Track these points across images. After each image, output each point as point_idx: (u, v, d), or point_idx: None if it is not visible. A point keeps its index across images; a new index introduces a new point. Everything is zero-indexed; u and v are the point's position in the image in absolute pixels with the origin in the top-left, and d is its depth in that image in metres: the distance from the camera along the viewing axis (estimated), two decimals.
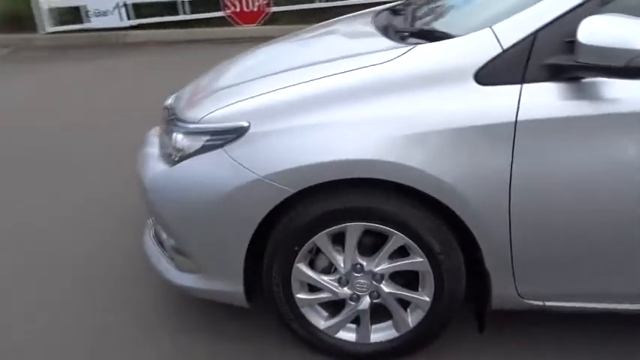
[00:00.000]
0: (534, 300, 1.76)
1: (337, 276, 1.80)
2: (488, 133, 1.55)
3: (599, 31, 1.42)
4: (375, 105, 1.63)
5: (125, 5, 7.77)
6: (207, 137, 1.78)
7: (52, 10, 7.95)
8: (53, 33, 7.94)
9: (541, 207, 1.59)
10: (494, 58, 1.56)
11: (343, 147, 1.62)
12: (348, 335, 1.89)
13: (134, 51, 7.33)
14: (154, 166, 1.94)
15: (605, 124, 1.52)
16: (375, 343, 1.88)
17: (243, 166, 1.69)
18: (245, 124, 1.72)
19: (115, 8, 7.73)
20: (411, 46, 1.71)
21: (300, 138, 1.66)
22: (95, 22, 7.79)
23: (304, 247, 1.75)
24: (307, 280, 1.82)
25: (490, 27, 1.61)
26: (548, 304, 1.76)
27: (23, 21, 8.12)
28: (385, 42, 1.90)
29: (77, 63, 6.93)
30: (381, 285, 1.79)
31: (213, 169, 1.74)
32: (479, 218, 1.61)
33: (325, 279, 1.81)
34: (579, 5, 1.52)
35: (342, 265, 1.78)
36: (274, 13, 7.76)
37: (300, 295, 1.84)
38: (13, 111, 5.03)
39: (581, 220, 1.59)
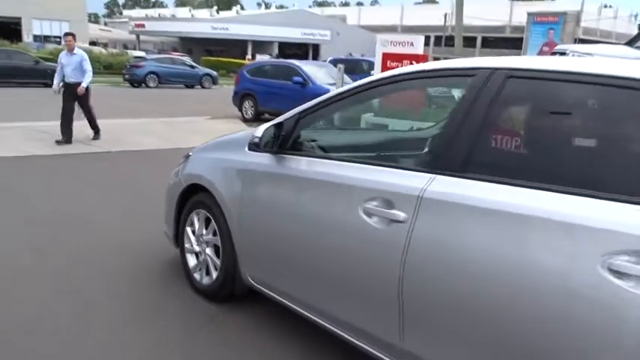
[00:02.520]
0: (261, 285, 2.96)
1: (196, 237, 3.42)
2: (240, 173, 3.00)
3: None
4: (217, 151, 3.27)
5: None
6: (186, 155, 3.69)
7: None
8: None
9: (247, 216, 2.91)
10: (253, 139, 3.01)
11: (196, 168, 3.33)
12: (197, 275, 3.43)
13: None
14: None
15: (288, 180, 2.76)
16: (203, 284, 3.36)
17: (180, 171, 3.55)
18: (190, 153, 3.59)
19: None
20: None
21: (195, 162, 3.44)
22: None
23: (188, 219, 3.46)
24: (189, 237, 3.48)
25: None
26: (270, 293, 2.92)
27: None
28: None
29: None
30: (207, 249, 3.31)
31: (179, 170, 3.64)
32: (233, 216, 3.02)
33: (192, 238, 3.44)
34: (286, 120, 2.84)
35: (196, 232, 3.39)
36: None
37: (186, 245, 3.51)
38: None
39: (288, 241, 2.73)
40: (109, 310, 3.21)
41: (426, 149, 2.63)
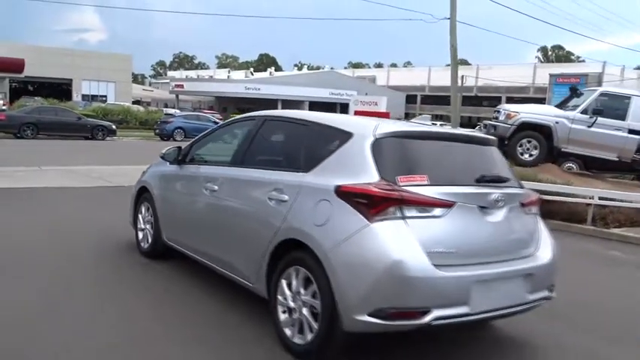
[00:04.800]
0: (170, 241, 5.05)
1: (142, 219, 5.55)
2: (161, 177, 5.17)
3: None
4: (156, 166, 5.45)
5: None
6: (144, 171, 5.90)
7: None
8: None
9: (164, 201, 5.05)
10: (160, 154, 5.17)
11: (145, 176, 5.52)
12: (142, 243, 5.53)
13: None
14: None
15: (182, 178, 4.91)
16: (144, 248, 5.47)
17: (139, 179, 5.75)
18: (145, 169, 5.79)
19: None
20: None
21: (146, 173, 5.63)
22: None
23: (139, 209, 5.60)
24: (139, 220, 5.61)
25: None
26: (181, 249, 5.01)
27: None
28: None
29: None
30: (147, 225, 5.44)
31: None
32: (157, 202, 5.16)
33: (141, 220, 5.58)
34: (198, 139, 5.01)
35: (142, 216, 5.53)
36: None
37: (138, 226, 5.64)
38: None
39: (179, 211, 4.91)
40: (87, 260, 5.34)
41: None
